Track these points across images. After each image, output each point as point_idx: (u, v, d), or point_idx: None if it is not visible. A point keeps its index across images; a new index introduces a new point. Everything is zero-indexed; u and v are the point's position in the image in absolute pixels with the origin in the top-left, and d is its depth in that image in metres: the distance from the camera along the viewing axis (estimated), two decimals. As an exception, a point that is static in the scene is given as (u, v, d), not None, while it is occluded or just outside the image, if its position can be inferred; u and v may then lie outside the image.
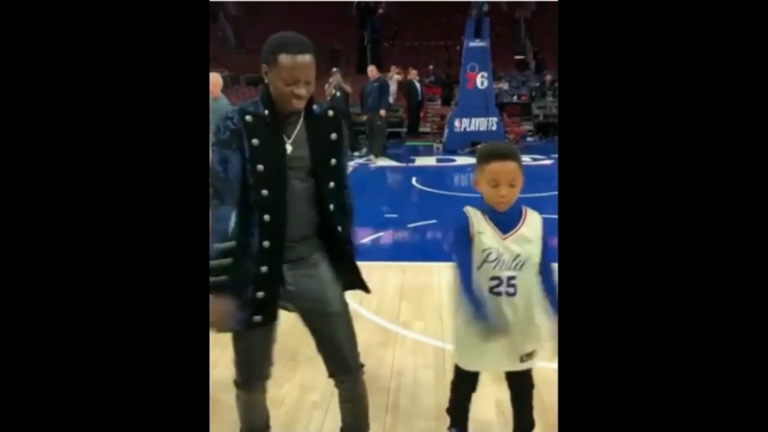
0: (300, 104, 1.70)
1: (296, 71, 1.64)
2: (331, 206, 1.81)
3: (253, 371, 1.87)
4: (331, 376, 1.92)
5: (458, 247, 1.95)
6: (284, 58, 1.63)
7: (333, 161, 1.80)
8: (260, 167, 1.68)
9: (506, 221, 1.91)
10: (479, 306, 1.84)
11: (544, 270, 1.93)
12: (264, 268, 1.72)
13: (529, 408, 2.12)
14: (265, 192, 1.69)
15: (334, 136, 1.80)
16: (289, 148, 1.73)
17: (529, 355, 1.99)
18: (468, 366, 2.05)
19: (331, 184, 1.80)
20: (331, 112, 1.83)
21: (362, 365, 1.93)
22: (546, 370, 2.60)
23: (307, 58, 1.66)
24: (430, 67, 17.15)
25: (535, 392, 2.14)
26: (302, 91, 1.67)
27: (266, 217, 1.70)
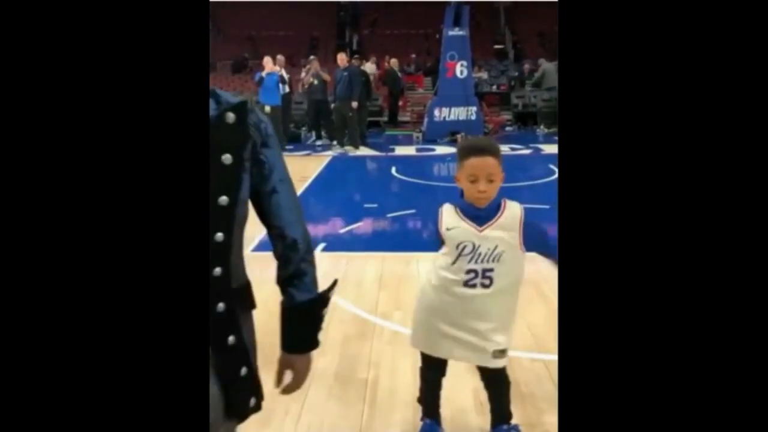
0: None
1: None
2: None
3: None
4: None
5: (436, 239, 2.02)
6: None
7: (223, 201, 1.11)
8: None
9: (484, 216, 1.91)
10: None
11: (536, 240, 1.93)
12: None
13: (506, 402, 2.12)
14: None
15: (227, 158, 1.10)
16: None
17: (502, 352, 1.97)
18: (425, 350, 2.07)
19: (219, 236, 1.12)
20: (231, 117, 1.11)
21: None
22: (523, 359, 2.62)
23: None
24: (413, 55, 17.12)
25: (513, 382, 2.14)
26: None
27: None
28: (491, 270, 1.90)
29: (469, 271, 1.90)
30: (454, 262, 1.91)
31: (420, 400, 2.20)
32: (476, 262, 1.89)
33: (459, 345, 1.96)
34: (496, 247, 1.88)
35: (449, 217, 1.93)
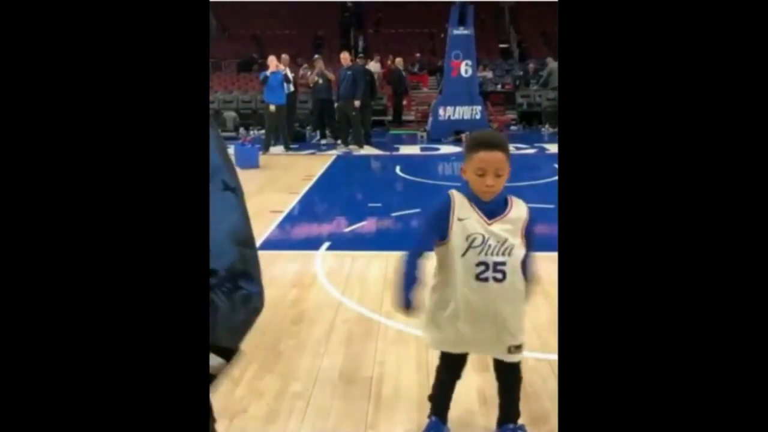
0: None
1: None
2: None
3: None
4: None
5: (428, 225, 2.00)
6: None
7: None
8: None
9: (492, 209, 1.90)
10: (407, 290, 1.89)
11: (524, 258, 1.93)
12: None
13: (515, 399, 2.13)
14: None
15: None
16: None
17: (518, 348, 1.98)
18: (440, 347, 2.07)
19: None
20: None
21: None
22: (528, 359, 2.62)
23: None
24: (417, 55, 17.12)
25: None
26: None
27: None
28: (503, 264, 1.88)
29: (479, 264, 1.88)
30: (463, 254, 1.89)
31: (430, 398, 2.20)
32: (486, 254, 1.87)
33: (476, 339, 1.96)
34: (506, 241, 1.87)
35: (462, 206, 1.90)
